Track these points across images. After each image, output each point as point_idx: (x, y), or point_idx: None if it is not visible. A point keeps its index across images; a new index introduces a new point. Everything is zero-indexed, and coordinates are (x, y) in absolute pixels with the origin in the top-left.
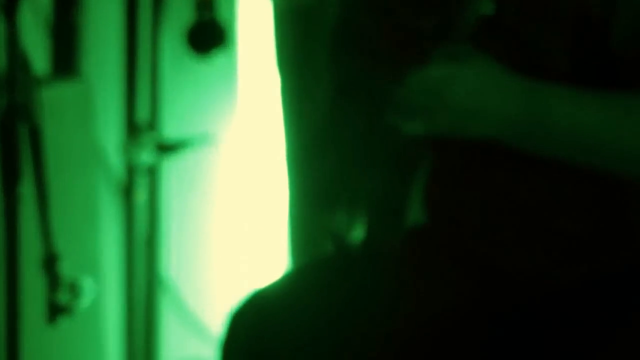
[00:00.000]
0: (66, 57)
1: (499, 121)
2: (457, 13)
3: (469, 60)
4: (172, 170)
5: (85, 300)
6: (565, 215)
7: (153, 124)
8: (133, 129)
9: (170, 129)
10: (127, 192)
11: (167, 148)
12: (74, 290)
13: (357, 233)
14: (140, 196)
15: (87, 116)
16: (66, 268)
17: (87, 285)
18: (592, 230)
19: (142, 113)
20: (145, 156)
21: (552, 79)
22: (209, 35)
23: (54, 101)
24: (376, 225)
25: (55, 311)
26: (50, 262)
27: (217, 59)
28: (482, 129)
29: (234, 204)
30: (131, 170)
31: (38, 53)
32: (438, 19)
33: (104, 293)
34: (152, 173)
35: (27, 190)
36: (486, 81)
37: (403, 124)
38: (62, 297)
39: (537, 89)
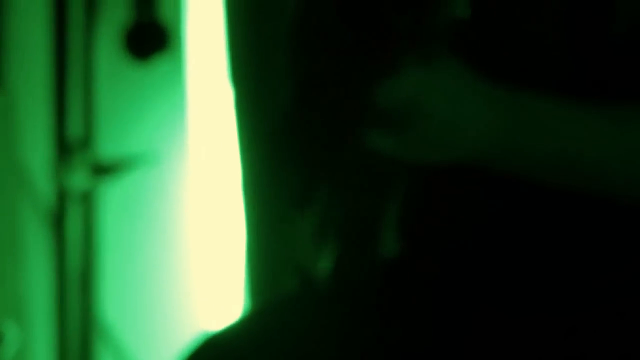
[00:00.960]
0: None
1: (480, 132)
2: (430, 12)
3: (443, 65)
4: (110, 195)
5: (8, 350)
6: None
7: (87, 141)
8: (64, 148)
9: (107, 148)
10: (58, 221)
11: (103, 169)
12: None
13: (324, 265)
14: (73, 226)
15: (9, 133)
16: None
17: (11, 331)
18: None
19: (74, 129)
20: (79, 179)
21: (546, 82)
22: (150, 37)
23: None
24: (346, 255)
25: None
26: None
27: (160, 65)
28: (462, 142)
29: (182, 233)
30: (62, 196)
31: None
32: (411, 18)
33: (31, 340)
34: (87, 199)
35: None
36: (464, 88)
37: (374, 139)
38: None
39: (520, 95)
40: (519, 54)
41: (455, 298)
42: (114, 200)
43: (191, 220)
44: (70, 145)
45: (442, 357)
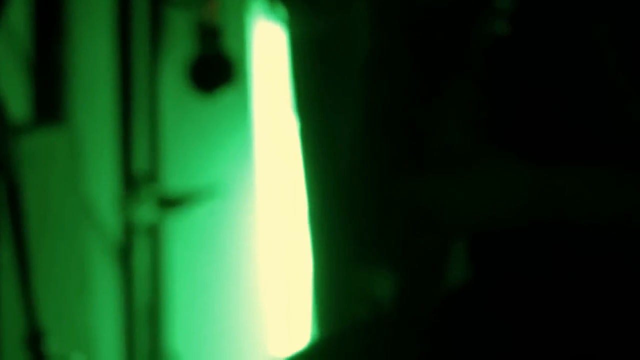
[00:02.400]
0: (50, 100)
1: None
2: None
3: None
4: (177, 228)
5: None
6: None
7: (153, 175)
8: (130, 182)
9: (174, 181)
10: (125, 254)
11: (170, 203)
12: None
13: (392, 294)
14: (141, 259)
15: (75, 168)
16: (53, 345)
17: None
18: None
19: (140, 162)
20: (145, 213)
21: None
22: (215, 70)
23: (36, 151)
24: (413, 284)
25: None
26: (34, 340)
27: (226, 98)
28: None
29: (250, 265)
30: (129, 230)
31: (16, 95)
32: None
33: None
34: (154, 232)
35: (5, 255)
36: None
37: None
38: None
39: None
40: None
41: (519, 331)
42: (181, 233)
43: (258, 252)
44: (136, 179)
45: None
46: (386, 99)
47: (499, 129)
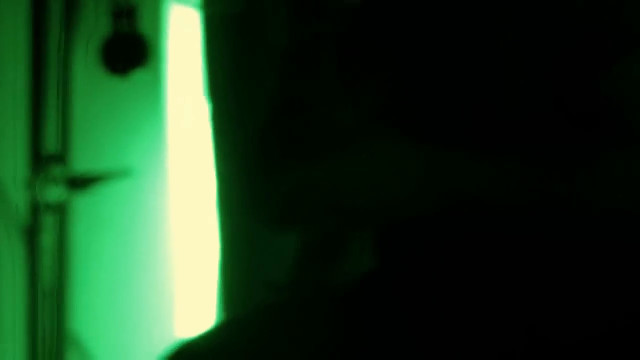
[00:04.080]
0: None
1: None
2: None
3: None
4: (84, 209)
5: None
6: None
7: (62, 155)
8: (38, 161)
9: (83, 161)
10: (31, 234)
11: (78, 183)
12: None
13: (292, 279)
14: (47, 239)
15: None
16: None
17: None
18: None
19: (50, 142)
20: (53, 192)
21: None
22: (128, 50)
23: None
24: (313, 269)
25: None
26: None
27: (139, 78)
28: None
29: (157, 246)
30: (36, 209)
31: None
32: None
33: (3, 353)
34: (61, 212)
35: None
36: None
37: None
38: None
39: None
40: None
41: (425, 319)
42: (89, 214)
43: (166, 233)
44: (44, 158)
45: None
46: (298, 86)
47: (392, 110)
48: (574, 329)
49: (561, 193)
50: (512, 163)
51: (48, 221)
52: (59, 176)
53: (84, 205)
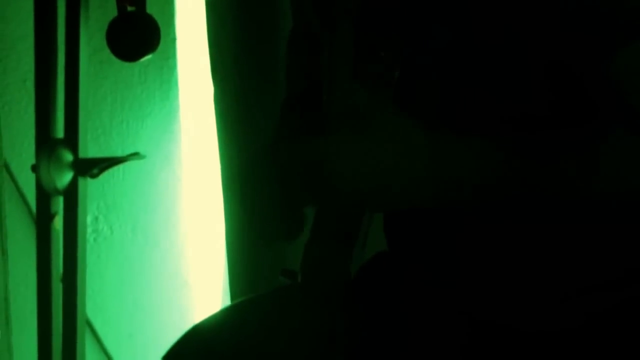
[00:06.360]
0: None
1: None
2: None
3: (375, 121)
4: (95, 194)
5: None
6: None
7: (70, 138)
8: (47, 144)
9: (91, 145)
10: (42, 219)
11: (88, 167)
12: None
13: (303, 263)
14: (57, 224)
15: None
16: None
17: None
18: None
19: (57, 126)
20: (63, 177)
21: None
22: (138, 33)
23: None
24: (320, 255)
25: None
26: None
27: (148, 64)
28: (379, 205)
29: (169, 231)
30: (46, 194)
31: None
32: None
33: (16, 339)
34: (71, 197)
35: None
36: (382, 154)
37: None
38: None
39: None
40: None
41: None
42: (100, 198)
43: (177, 217)
44: (53, 142)
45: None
46: (303, 68)
47: (405, 94)
48: (569, 316)
49: (564, 179)
50: (513, 150)
51: (58, 205)
52: (69, 161)
53: (94, 189)
